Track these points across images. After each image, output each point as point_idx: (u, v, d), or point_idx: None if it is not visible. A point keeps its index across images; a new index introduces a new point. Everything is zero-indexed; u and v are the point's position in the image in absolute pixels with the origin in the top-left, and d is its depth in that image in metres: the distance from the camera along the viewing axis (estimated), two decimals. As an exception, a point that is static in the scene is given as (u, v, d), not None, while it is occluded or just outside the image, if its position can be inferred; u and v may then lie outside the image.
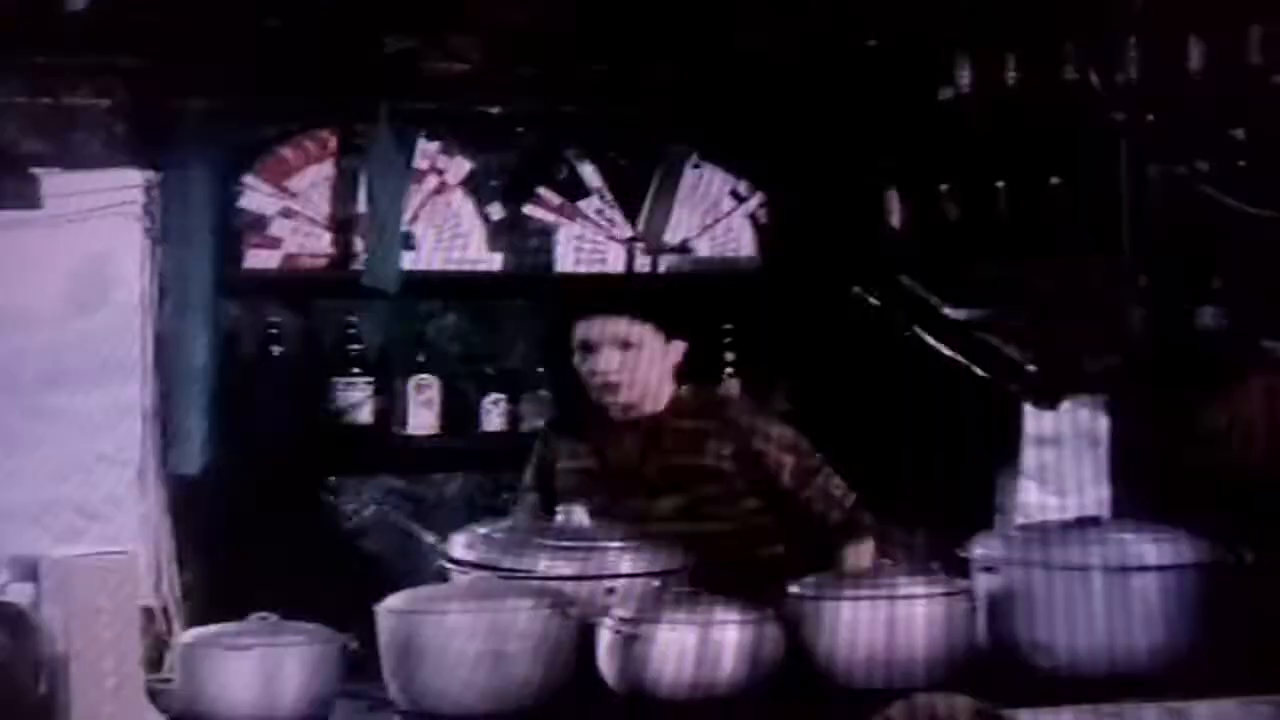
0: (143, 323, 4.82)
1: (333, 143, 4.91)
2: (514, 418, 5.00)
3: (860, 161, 4.87)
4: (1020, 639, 3.39)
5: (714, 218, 5.21)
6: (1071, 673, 3.33)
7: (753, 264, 5.21)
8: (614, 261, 5.14)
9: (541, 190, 5.12)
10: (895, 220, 4.83)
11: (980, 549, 3.53)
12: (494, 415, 4.99)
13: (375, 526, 4.98)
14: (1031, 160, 4.38)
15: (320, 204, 4.89)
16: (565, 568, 3.48)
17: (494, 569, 3.49)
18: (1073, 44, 4.17)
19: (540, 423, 4.79)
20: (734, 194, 5.23)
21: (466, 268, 5.00)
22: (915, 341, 4.85)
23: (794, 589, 3.41)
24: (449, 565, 3.62)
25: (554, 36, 4.82)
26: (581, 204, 5.13)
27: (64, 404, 5.59)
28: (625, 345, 3.99)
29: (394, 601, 3.32)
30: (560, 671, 3.21)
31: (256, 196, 4.85)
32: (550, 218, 5.13)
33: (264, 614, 3.41)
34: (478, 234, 5.04)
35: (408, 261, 4.84)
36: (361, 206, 4.85)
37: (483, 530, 3.67)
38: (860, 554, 3.91)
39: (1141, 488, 3.98)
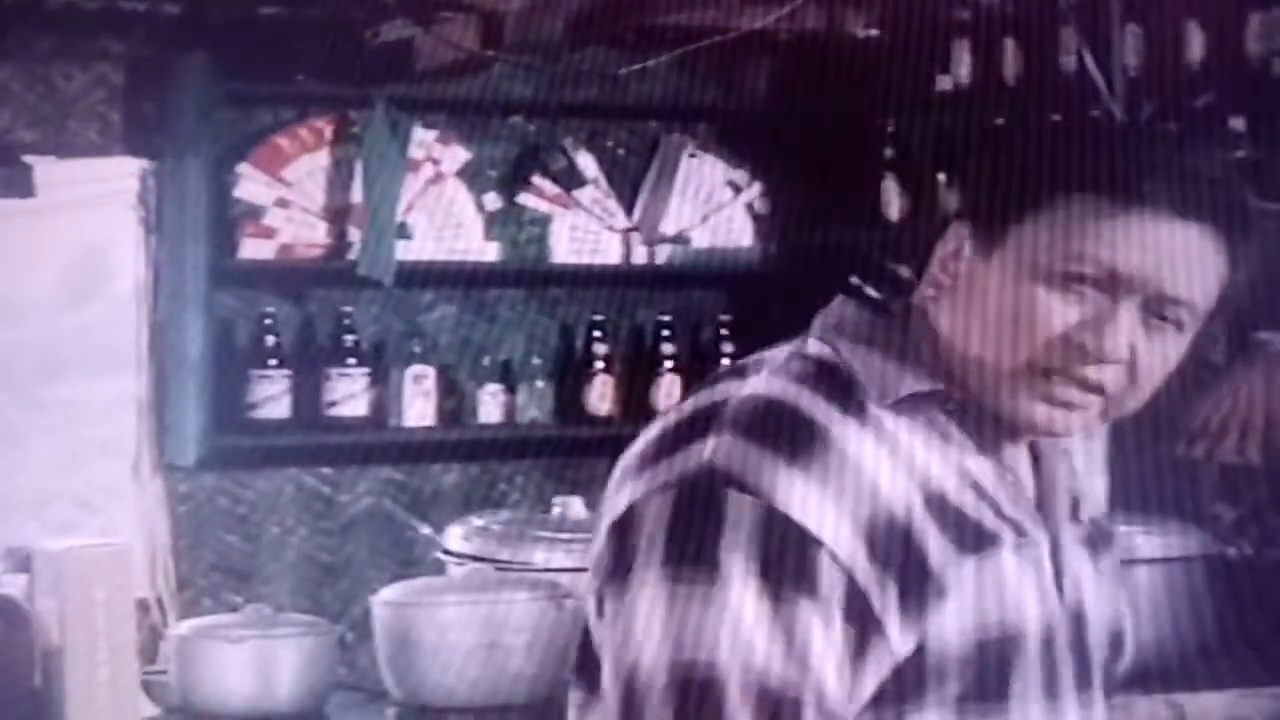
0: (138, 313, 4.81)
1: (328, 132, 4.89)
2: (511, 409, 4.99)
3: (858, 151, 4.86)
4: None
5: (712, 208, 5.19)
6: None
7: (751, 254, 5.19)
8: (611, 252, 5.13)
9: (538, 180, 5.11)
10: (893, 210, 4.81)
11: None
12: (491, 406, 4.98)
13: (371, 518, 4.96)
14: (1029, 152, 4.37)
15: (315, 194, 4.87)
16: (562, 560, 3.47)
17: (491, 561, 3.49)
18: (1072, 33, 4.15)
19: (535, 414, 4.76)
20: (731, 184, 5.21)
21: (462, 257, 4.98)
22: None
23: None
24: (445, 557, 3.61)
25: (551, 23, 4.80)
26: (578, 194, 5.12)
27: (61, 396, 5.58)
28: None
29: (390, 594, 3.31)
30: (557, 664, 3.20)
31: (252, 186, 4.83)
32: (546, 207, 5.11)
33: (259, 605, 3.40)
34: (473, 224, 5.02)
35: (403, 251, 4.82)
36: (357, 196, 4.83)
37: (479, 522, 3.66)
38: None
39: (1138, 480, 3.96)
